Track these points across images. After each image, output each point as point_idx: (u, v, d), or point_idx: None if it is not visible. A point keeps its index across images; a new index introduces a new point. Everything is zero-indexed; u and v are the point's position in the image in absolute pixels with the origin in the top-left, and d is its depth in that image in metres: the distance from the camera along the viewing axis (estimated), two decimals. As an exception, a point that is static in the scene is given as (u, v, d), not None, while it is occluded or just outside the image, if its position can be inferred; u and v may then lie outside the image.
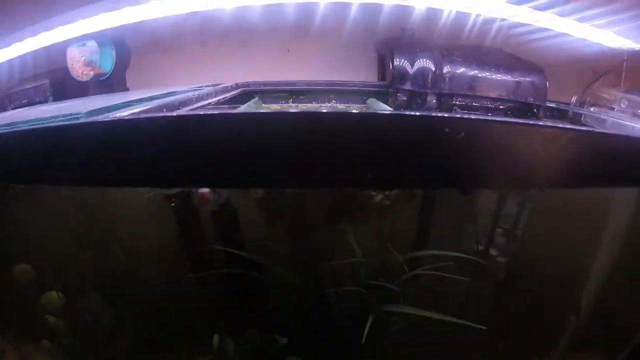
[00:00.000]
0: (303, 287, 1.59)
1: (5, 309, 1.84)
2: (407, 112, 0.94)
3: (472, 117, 0.88)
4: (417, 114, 0.92)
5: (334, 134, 0.83)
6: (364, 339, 1.37)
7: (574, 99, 1.72)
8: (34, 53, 1.49)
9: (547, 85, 1.67)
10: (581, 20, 1.65)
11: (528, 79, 1.68)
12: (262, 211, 1.56)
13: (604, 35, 1.64)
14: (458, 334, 1.56)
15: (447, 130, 0.84)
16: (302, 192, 1.39)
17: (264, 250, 1.57)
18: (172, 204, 1.58)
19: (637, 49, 1.60)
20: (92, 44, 1.62)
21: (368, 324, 1.40)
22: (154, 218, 1.66)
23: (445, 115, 0.87)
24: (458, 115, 0.93)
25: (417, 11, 1.69)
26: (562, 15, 1.66)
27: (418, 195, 1.42)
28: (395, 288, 1.45)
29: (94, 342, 1.74)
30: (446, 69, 1.65)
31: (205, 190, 1.44)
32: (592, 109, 1.69)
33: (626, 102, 1.60)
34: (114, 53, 1.67)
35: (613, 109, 1.65)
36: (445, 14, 1.68)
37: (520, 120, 1.02)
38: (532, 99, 1.69)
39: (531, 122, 1.32)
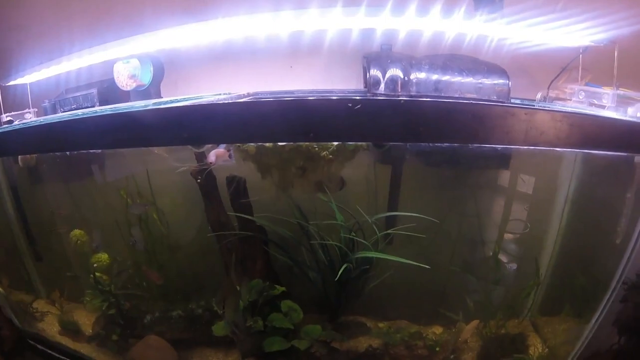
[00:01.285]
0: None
1: (55, 273, 2.33)
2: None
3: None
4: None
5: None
6: (337, 277, 1.80)
7: (538, 95, 1.80)
8: (89, 67, 2.01)
9: (510, 84, 1.78)
10: (543, 28, 1.78)
11: (491, 79, 1.81)
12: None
13: (562, 37, 1.74)
14: (426, 288, 1.96)
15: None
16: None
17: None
18: (198, 180, 2.01)
19: (588, 45, 1.67)
20: (135, 61, 2.08)
21: (342, 268, 1.83)
22: (183, 190, 2.17)
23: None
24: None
25: (393, 33, 2.03)
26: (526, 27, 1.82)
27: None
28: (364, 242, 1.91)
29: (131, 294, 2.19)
30: (413, 75, 1.86)
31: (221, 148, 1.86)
32: (554, 103, 1.75)
33: (583, 94, 1.65)
34: (152, 69, 2.12)
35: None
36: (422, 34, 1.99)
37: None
38: (495, 97, 1.81)
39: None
